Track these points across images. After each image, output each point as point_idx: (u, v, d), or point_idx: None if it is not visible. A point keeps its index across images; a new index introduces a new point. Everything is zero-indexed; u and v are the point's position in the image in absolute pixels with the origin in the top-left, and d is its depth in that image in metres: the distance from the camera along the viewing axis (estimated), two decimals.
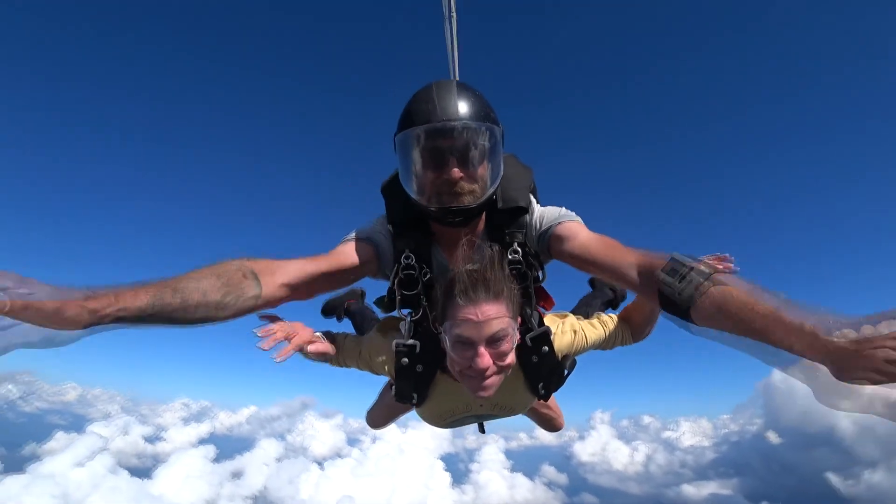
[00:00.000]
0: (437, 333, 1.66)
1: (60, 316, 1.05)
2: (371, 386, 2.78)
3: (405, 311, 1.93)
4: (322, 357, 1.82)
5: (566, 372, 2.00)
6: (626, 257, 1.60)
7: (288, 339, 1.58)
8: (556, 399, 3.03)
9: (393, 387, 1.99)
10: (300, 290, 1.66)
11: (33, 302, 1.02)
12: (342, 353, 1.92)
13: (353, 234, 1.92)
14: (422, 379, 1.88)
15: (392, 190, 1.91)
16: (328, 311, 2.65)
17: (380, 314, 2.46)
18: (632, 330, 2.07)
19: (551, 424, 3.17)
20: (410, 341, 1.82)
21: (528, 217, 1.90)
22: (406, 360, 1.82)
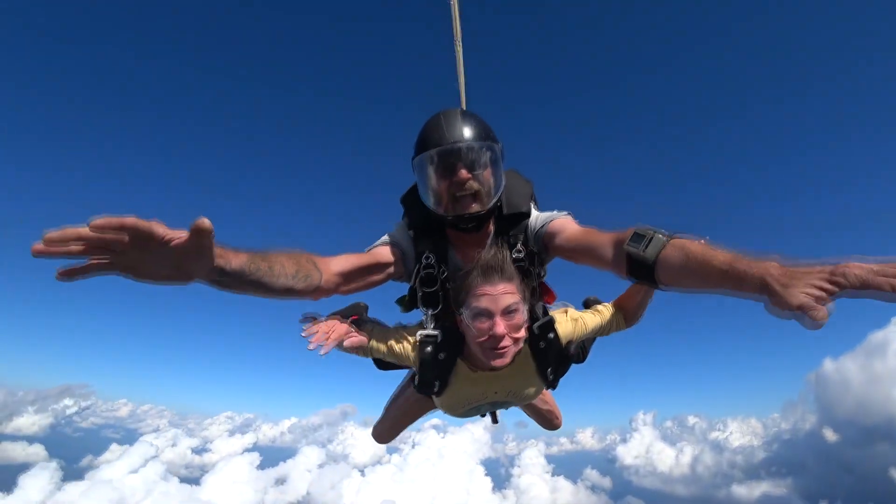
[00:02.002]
0: (458, 314, 1.94)
1: (209, 253, 1.22)
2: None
3: (426, 307, 2.18)
4: (356, 350, 2.02)
5: (570, 358, 2.32)
6: (601, 238, 1.85)
7: (328, 335, 1.79)
8: (554, 398, 3.34)
9: (415, 377, 2.22)
10: (348, 280, 1.94)
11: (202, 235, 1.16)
12: (371, 343, 2.08)
13: (381, 240, 2.24)
14: (443, 366, 2.08)
15: (411, 200, 2.27)
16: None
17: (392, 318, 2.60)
18: (624, 315, 2.30)
19: (550, 422, 3.42)
20: (433, 331, 2.07)
21: (528, 221, 2.22)
22: (429, 348, 2.05)
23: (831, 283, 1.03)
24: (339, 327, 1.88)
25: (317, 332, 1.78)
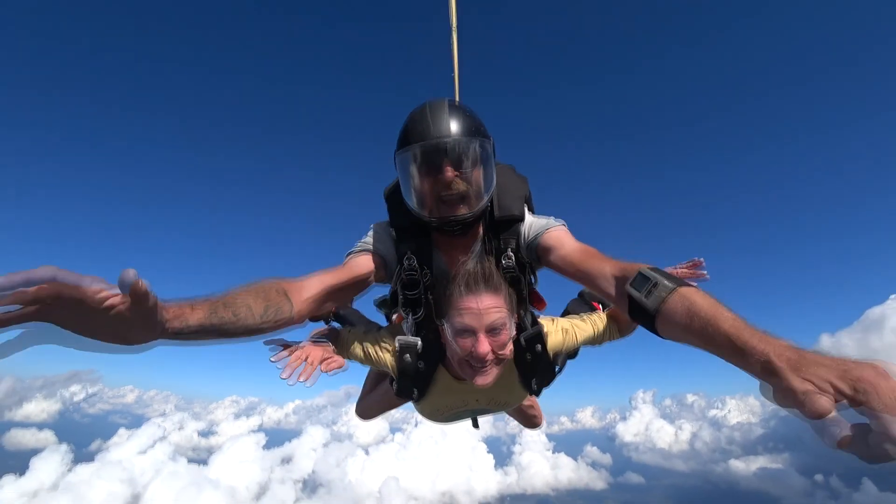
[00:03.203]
0: (440, 326, 1.80)
1: (153, 317, 1.04)
2: None
3: (407, 312, 2.04)
4: (335, 370, 1.86)
5: (557, 369, 2.15)
6: (603, 268, 1.67)
7: (300, 363, 1.65)
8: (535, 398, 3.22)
9: (394, 382, 2.09)
10: (321, 303, 1.76)
11: (148, 298, 0.98)
12: (347, 350, 1.99)
13: (358, 246, 2.05)
14: (423, 375, 1.98)
15: (395, 196, 2.03)
16: (316, 317, 2.58)
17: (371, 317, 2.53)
18: (619, 326, 2.17)
19: (531, 421, 3.33)
20: (413, 339, 1.94)
21: (521, 225, 2.04)
22: (408, 356, 1.93)
23: (844, 383, 0.86)
24: (314, 354, 1.72)
25: (290, 361, 1.64)
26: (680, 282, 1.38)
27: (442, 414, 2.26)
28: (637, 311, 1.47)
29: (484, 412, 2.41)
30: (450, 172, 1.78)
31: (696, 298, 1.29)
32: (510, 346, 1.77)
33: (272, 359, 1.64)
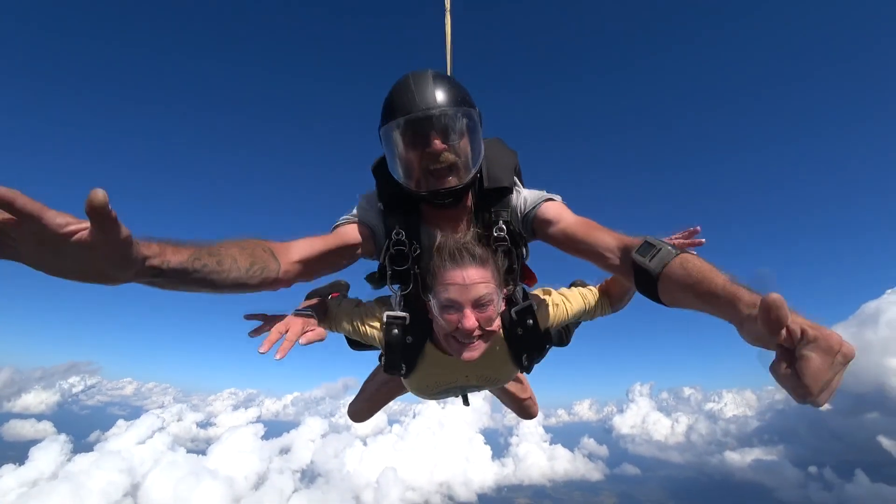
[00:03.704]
0: (426, 301, 1.76)
1: (125, 250, 0.96)
2: None
3: (395, 286, 2.00)
4: (315, 341, 1.78)
5: (548, 345, 2.11)
6: (606, 239, 1.68)
7: (280, 335, 1.57)
8: (531, 387, 3.24)
9: (382, 357, 2.04)
10: (309, 266, 1.72)
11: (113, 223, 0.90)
12: (334, 321, 1.97)
13: (347, 217, 2.02)
14: (410, 350, 1.94)
15: (382, 170, 1.99)
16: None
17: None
18: (610, 301, 2.16)
19: (527, 411, 3.31)
20: (401, 313, 1.91)
21: (512, 197, 2.00)
22: (396, 330, 1.89)
23: (810, 327, 0.91)
24: (294, 325, 1.64)
25: (269, 334, 1.54)
26: (683, 250, 1.44)
27: (431, 390, 2.21)
28: (641, 278, 1.47)
29: (474, 389, 2.36)
30: (437, 144, 1.75)
31: (694, 260, 1.36)
32: (498, 321, 1.72)
33: (250, 333, 1.58)
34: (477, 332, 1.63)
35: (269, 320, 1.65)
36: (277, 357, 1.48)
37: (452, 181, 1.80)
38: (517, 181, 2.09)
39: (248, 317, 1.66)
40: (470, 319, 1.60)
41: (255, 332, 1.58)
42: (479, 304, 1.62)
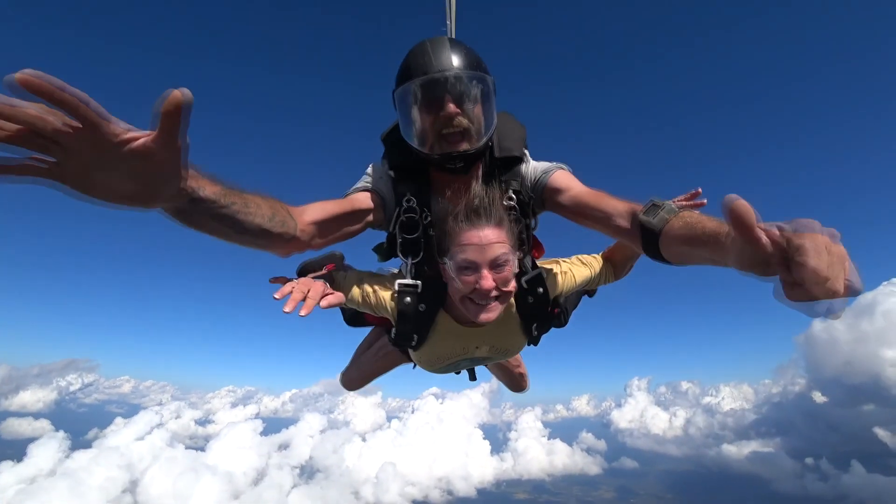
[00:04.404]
0: (441, 264, 1.75)
1: (182, 159, 0.97)
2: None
3: (407, 256, 1.97)
4: (334, 305, 1.76)
5: (562, 315, 2.16)
6: (615, 205, 1.71)
7: (304, 296, 1.56)
8: (523, 360, 3.26)
9: (392, 330, 2.03)
10: (324, 228, 1.72)
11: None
12: (342, 292, 1.89)
13: (358, 185, 2.01)
14: (423, 319, 1.92)
15: (392, 138, 2.01)
16: (303, 272, 2.37)
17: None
18: (614, 269, 2.20)
19: (519, 384, 3.31)
20: (413, 281, 1.89)
21: (522, 167, 2.02)
22: (409, 298, 1.88)
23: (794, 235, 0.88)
24: (315, 286, 1.63)
25: (290, 293, 1.54)
26: (684, 208, 1.47)
27: (441, 362, 2.17)
28: (647, 238, 1.51)
29: (483, 361, 2.34)
30: (452, 107, 1.75)
31: (695, 215, 1.39)
32: (513, 283, 1.73)
33: (276, 295, 1.55)
34: (494, 293, 1.64)
35: (291, 283, 1.64)
36: (302, 314, 1.49)
37: (465, 145, 1.80)
38: (526, 152, 2.09)
39: (273, 280, 1.66)
40: (488, 280, 1.60)
41: (280, 294, 1.56)
42: (495, 265, 1.62)
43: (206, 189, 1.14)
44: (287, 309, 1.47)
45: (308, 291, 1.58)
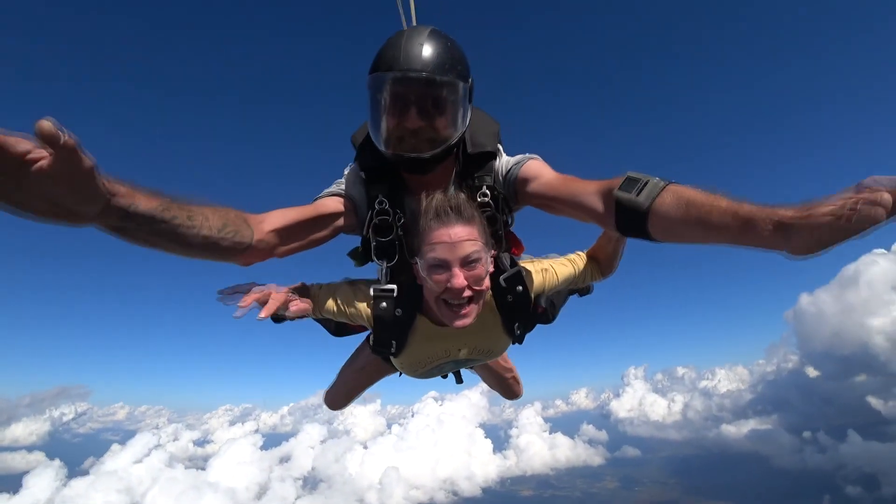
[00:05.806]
0: (413, 264, 1.71)
1: (88, 181, 0.93)
2: None
3: (382, 260, 1.91)
4: (302, 314, 1.74)
5: (548, 312, 2.11)
6: (586, 187, 1.62)
7: (261, 302, 1.50)
8: (515, 366, 3.18)
9: (370, 337, 1.98)
10: (286, 238, 1.66)
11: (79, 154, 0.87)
12: (317, 304, 1.87)
13: (328, 190, 1.96)
14: (401, 324, 1.86)
15: (363, 138, 1.96)
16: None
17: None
18: (599, 266, 2.13)
19: (511, 390, 3.23)
20: (389, 285, 1.83)
21: (495, 162, 1.96)
22: (385, 304, 1.81)
23: (860, 197, 0.92)
24: (277, 294, 1.56)
25: (246, 294, 1.48)
26: (670, 181, 1.37)
27: (423, 366, 2.10)
28: (627, 217, 1.40)
29: (467, 363, 2.27)
30: (413, 118, 1.66)
31: (688, 190, 1.28)
32: (487, 281, 1.67)
33: (220, 292, 1.50)
34: (467, 293, 1.59)
35: (250, 285, 1.56)
36: (262, 315, 1.42)
37: (424, 149, 1.72)
38: (500, 148, 2.03)
39: (222, 292, 1.54)
40: (459, 278, 1.56)
41: (228, 291, 1.50)
42: (467, 262, 1.57)
43: (142, 205, 1.10)
44: (241, 305, 1.41)
45: (266, 298, 1.51)
